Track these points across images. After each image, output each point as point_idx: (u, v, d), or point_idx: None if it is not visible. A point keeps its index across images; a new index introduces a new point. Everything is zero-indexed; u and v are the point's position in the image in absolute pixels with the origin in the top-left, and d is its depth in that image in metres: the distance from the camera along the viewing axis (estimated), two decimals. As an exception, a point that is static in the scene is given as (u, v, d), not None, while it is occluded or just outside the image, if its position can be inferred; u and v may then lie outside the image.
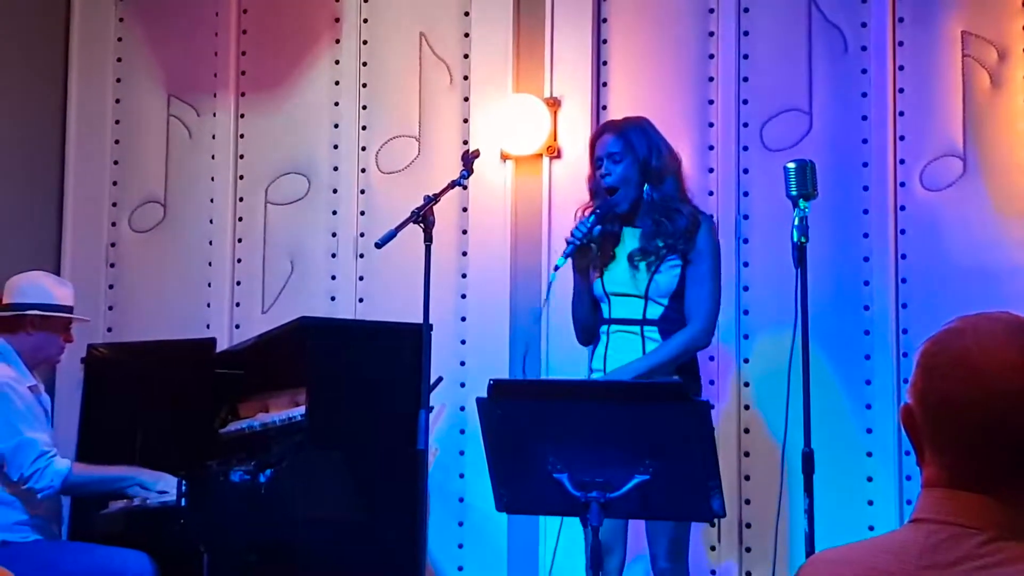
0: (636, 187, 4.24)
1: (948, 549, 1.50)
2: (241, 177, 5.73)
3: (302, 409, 4.45)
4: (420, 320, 4.19)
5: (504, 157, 5.34)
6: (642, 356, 4.13)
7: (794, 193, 3.90)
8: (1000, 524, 1.50)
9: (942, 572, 1.49)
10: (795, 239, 3.86)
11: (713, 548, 4.97)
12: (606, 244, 4.24)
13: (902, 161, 5.04)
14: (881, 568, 1.53)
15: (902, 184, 5.03)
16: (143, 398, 5.11)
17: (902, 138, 5.05)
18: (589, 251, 4.22)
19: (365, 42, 5.64)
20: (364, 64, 5.63)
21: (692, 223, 4.21)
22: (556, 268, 4.15)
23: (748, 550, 4.99)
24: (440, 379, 4.95)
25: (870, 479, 4.91)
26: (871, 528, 4.81)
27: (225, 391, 5.07)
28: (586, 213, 4.30)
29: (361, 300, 5.50)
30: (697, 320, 4.18)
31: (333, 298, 5.52)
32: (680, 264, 4.19)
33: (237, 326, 5.63)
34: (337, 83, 5.66)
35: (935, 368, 1.56)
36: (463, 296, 5.37)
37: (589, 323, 4.28)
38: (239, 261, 5.69)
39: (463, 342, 5.33)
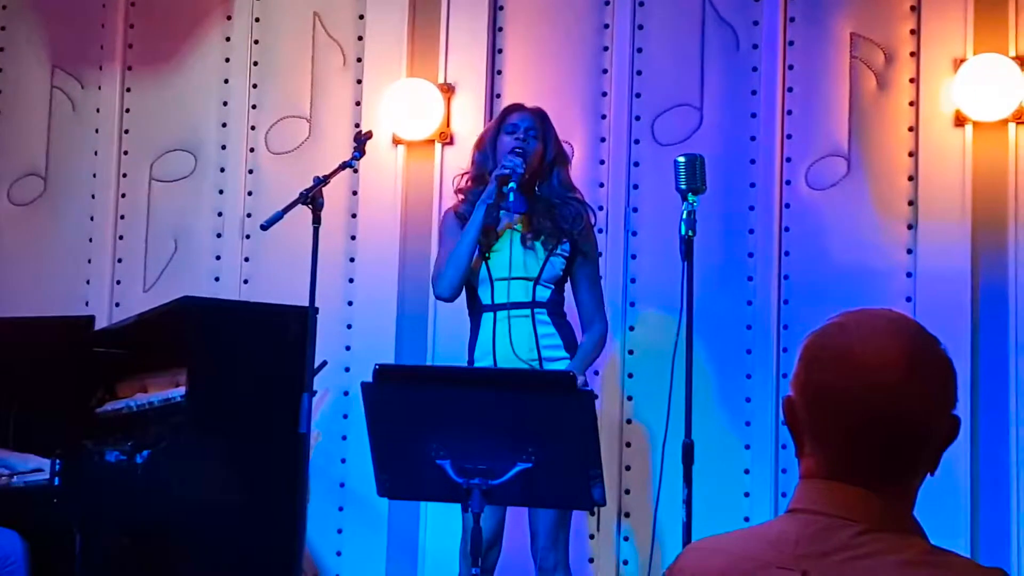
0: (532, 171, 4.25)
1: (824, 539, 1.52)
2: (126, 152, 5.63)
3: (182, 390, 4.39)
4: (306, 303, 4.15)
5: (396, 142, 5.31)
6: (570, 362, 4.16)
7: (683, 187, 3.93)
8: (874, 516, 1.52)
9: (817, 562, 1.51)
10: (683, 232, 3.89)
11: (592, 536, 5.00)
12: (489, 228, 4.22)
13: (788, 159, 5.12)
14: (758, 557, 1.55)
15: (788, 182, 5.11)
16: (17, 374, 4.98)
17: (789, 136, 5.13)
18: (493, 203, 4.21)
19: (257, 19, 5.56)
20: (256, 42, 5.56)
21: (585, 214, 4.26)
22: (510, 189, 4.10)
23: (626, 539, 5.04)
24: (324, 363, 4.91)
25: (747, 471, 4.98)
26: (747, 519, 4.88)
27: (103, 370, 4.98)
28: (465, 180, 4.32)
29: (246, 281, 5.43)
30: (601, 321, 4.30)
31: (217, 279, 5.45)
32: (569, 252, 4.21)
33: (117, 304, 5.53)
34: (228, 60, 5.58)
35: (818, 361, 1.58)
36: (351, 280, 5.34)
37: (469, 267, 4.21)
38: (121, 238, 5.59)
39: (349, 326, 5.30)
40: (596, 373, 4.98)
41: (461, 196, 4.37)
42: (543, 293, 4.18)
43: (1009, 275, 4.90)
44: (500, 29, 5.38)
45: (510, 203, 4.16)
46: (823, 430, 1.57)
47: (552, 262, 4.19)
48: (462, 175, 4.44)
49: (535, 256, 4.19)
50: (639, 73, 5.25)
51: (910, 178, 5.02)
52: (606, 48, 5.28)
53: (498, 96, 5.34)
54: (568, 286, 4.30)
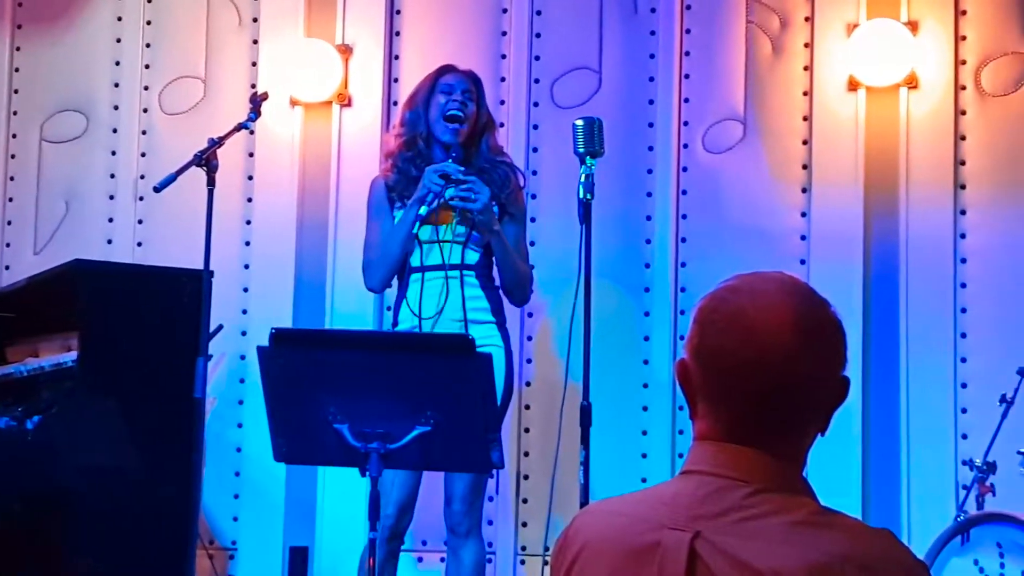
0: (467, 135, 4.20)
1: (716, 500, 1.54)
2: (15, 113, 5.51)
3: (74, 355, 4.32)
4: (201, 266, 4.10)
5: (293, 103, 5.26)
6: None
7: (581, 150, 3.93)
8: (766, 476, 1.55)
9: (710, 523, 1.52)
10: (581, 196, 3.89)
11: (491, 499, 5.02)
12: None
13: (686, 123, 5.15)
14: (652, 518, 1.56)
15: (685, 145, 5.15)
16: (-97, 340, 4.89)
17: (686, 100, 5.16)
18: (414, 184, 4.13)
19: (151, -22, 5.47)
20: (149, 1, 5.46)
21: (514, 177, 4.22)
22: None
23: (525, 501, 5.07)
24: (220, 327, 4.87)
25: (645, 432, 5.03)
26: (644, 480, 4.93)
27: (-8, 334, 4.88)
28: (395, 141, 4.21)
29: (140, 244, 5.35)
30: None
31: (110, 241, 5.36)
32: (498, 215, 4.16)
33: (7, 267, 5.43)
34: (120, 19, 5.47)
35: (711, 324, 1.59)
36: (247, 243, 5.28)
37: (400, 265, 4.17)
38: (11, 200, 5.48)
39: (246, 290, 5.25)
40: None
41: (390, 161, 4.23)
42: (471, 256, 4.13)
43: (900, 238, 4.99)
44: (398, -10, 5.34)
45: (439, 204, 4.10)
46: (715, 392, 1.58)
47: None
48: (392, 135, 4.30)
49: (463, 220, 4.15)
50: (538, 36, 5.25)
51: (804, 142, 5.08)
52: (505, 10, 5.26)
53: (396, 58, 5.30)
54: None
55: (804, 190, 5.06)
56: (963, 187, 5.01)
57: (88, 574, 4.26)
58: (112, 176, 5.41)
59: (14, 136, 5.50)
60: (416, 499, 4.09)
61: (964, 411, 4.90)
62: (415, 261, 4.14)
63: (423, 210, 4.03)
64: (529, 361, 5.13)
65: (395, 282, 4.22)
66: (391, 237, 4.12)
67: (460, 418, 3.32)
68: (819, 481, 1.62)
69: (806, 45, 5.11)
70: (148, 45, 5.44)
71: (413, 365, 3.34)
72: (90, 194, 5.43)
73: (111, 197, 5.41)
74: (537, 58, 5.24)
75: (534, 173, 5.18)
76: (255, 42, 5.35)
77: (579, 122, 3.96)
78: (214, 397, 4.96)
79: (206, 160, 4.10)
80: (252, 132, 4.79)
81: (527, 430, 5.09)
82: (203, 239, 4.08)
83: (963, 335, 4.95)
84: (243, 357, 5.15)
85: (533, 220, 5.12)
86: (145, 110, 5.42)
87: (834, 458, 4.68)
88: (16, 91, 5.52)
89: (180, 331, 4.27)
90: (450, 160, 4.09)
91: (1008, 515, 4.02)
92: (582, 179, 3.90)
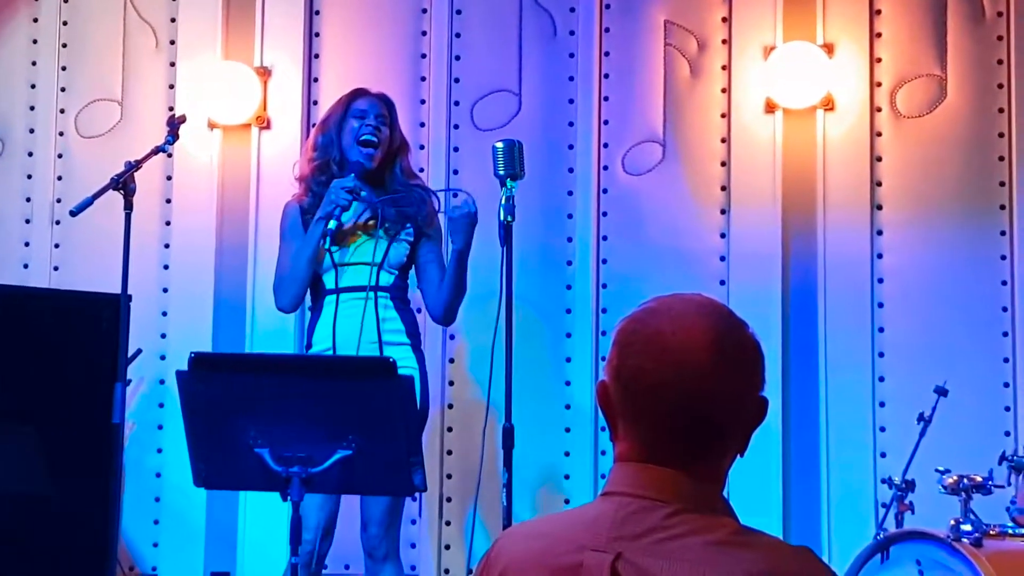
0: (381, 159, 4.20)
1: (637, 521, 1.54)
2: (-73, 135, 5.42)
3: (-11, 381, 4.25)
4: (119, 291, 4.05)
5: (212, 126, 5.22)
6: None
7: (501, 173, 3.94)
8: (686, 496, 1.56)
9: (630, 543, 1.53)
10: (501, 218, 3.91)
11: (414, 522, 5.00)
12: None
13: (606, 145, 5.18)
14: (573, 540, 1.57)
15: (605, 167, 5.18)
16: None
17: (606, 122, 5.19)
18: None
19: (66, 0, 5.41)
20: (65, 23, 5.40)
21: (429, 199, 4.21)
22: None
23: (447, 524, 5.05)
24: (139, 351, 4.82)
25: (567, 454, 5.04)
26: (567, 501, 4.94)
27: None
28: (309, 165, 4.19)
29: (56, 268, 5.28)
30: None
31: (26, 266, 5.29)
32: (413, 238, 4.16)
33: (-81, 293, 5.32)
34: (35, 42, 5.41)
35: (630, 345, 1.60)
36: (166, 267, 5.23)
37: (309, 283, 4.16)
38: (-77, 224, 5.39)
39: (164, 314, 5.19)
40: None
41: (304, 185, 4.20)
42: (387, 278, 4.11)
43: (818, 258, 5.05)
44: (317, 12, 5.33)
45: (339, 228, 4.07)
46: (635, 413, 1.59)
47: (396, 247, 4.12)
48: (305, 159, 4.27)
49: (378, 242, 4.13)
50: (458, 58, 5.26)
51: (723, 164, 5.13)
52: (424, 33, 5.27)
53: (316, 80, 5.29)
54: (412, 274, 4.23)
55: (723, 211, 5.11)
56: (879, 208, 5.09)
57: (3, 605, 4.19)
58: (28, 200, 5.34)
59: (-74, 159, 5.41)
60: (335, 523, 4.07)
61: (883, 429, 4.97)
62: (330, 283, 4.12)
63: (332, 224, 4.01)
64: (451, 383, 5.12)
65: (309, 302, 4.19)
66: (299, 254, 4.10)
67: (382, 441, 3.31)
68: (740, 500, 1.63)
69: (724, 67, 5.17)
70: (64, 68, 5.38)
71: (334, 389, 3.32)
72: (5, 218, 5.35)
73: (27, 221, 5.33)
74: (457, 80, 5.25)
75: (455, 195, 5.17)
76: (172, 64, 5.31)
77: (499, 144, 3.97)
78: (133, 422, 4.91)
79: (123, 183, 4.06)
80: (170, 155, 4.75)
81: (449, 452, 5.08)
82: (121, 263, 4.04)
83: (881, 354, 5.02)
84: (162, 382, 5.09)
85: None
86: (61, 133, 5.36)
87: (755, 477, 4.72)
88: (-72, 114, 5.43)
89: (98, 356, 4.22)
90: (352, 176, 4.07)
91: (927, 532, 4.07)
92: (503, 201, 3.92)
